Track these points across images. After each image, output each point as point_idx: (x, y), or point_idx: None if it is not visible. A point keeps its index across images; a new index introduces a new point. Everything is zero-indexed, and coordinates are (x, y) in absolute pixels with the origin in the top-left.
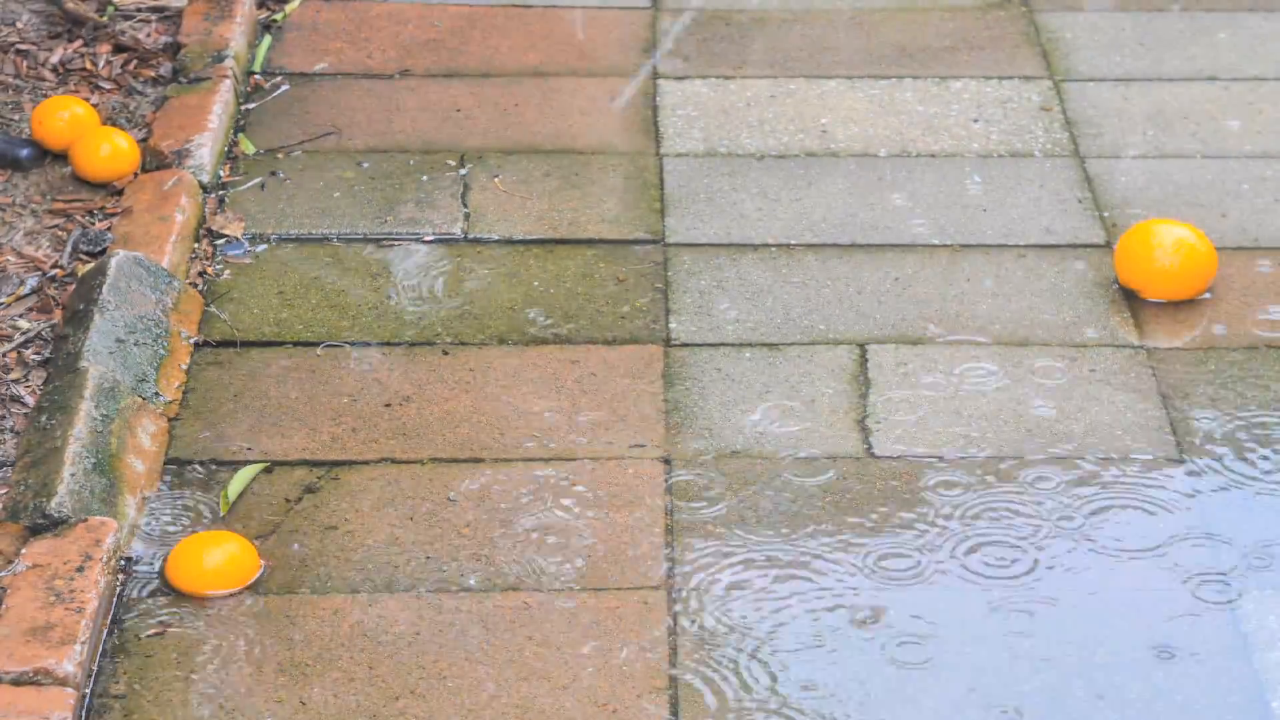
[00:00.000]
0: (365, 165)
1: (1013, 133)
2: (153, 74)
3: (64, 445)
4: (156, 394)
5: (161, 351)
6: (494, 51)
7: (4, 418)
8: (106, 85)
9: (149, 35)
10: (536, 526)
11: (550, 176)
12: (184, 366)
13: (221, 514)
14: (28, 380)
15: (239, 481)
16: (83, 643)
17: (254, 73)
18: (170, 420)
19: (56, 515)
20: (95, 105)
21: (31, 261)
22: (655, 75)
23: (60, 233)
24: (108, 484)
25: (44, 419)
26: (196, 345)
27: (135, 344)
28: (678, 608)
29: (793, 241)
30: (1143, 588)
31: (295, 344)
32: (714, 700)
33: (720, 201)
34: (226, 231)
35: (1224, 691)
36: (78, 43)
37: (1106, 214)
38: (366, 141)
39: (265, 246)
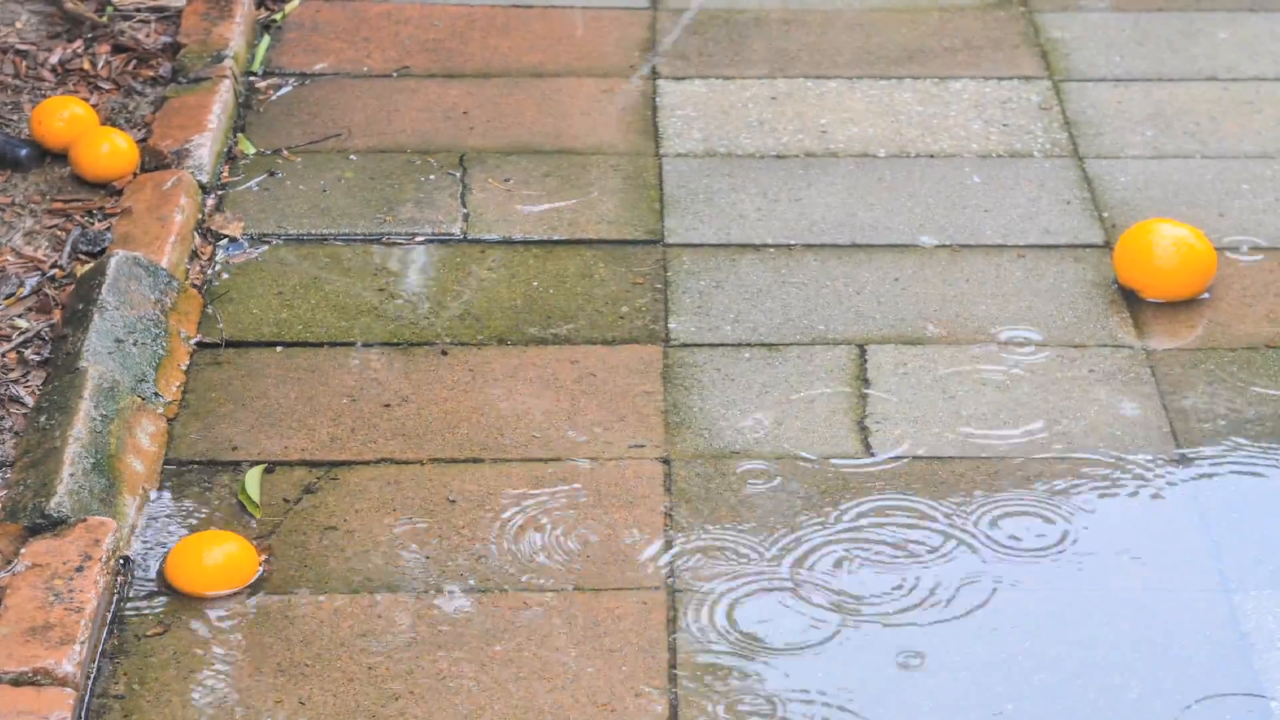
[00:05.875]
0: (365, 165)
1: (1012, 133)
2: (152, 74)
3: (63, 445)
4: (156, 394)
5: (161, 352)
6: (494, 51)
7: (3, 418)
8: (106, 85)
9: (148, 35)
10: (536, 527)
11: (550, 176)
12: (183, 367)
13: (257, 517)
14: (27, 380)
15: (253, 483)
16: (82, 643)
17: (253, 73)
18: (169, 420)
19: (56, 515)
20: (94, 105)
21: (31, 261)
22: (655, 75)
23: (59, 233)
24: (107, 484)
25: (43, 419)
26: (196, 346)
27: (134, 344)
28: (677, 608)
29: (792, 241)
30: (1142, 587)
31: (295, 344)
32: (714, 700)
33: (720, 202)
34: (226, 232)
35: (1224, 691)
36: (77, 43)
37: (1106, 214)
38: (366, 141)
39: (265, 247)
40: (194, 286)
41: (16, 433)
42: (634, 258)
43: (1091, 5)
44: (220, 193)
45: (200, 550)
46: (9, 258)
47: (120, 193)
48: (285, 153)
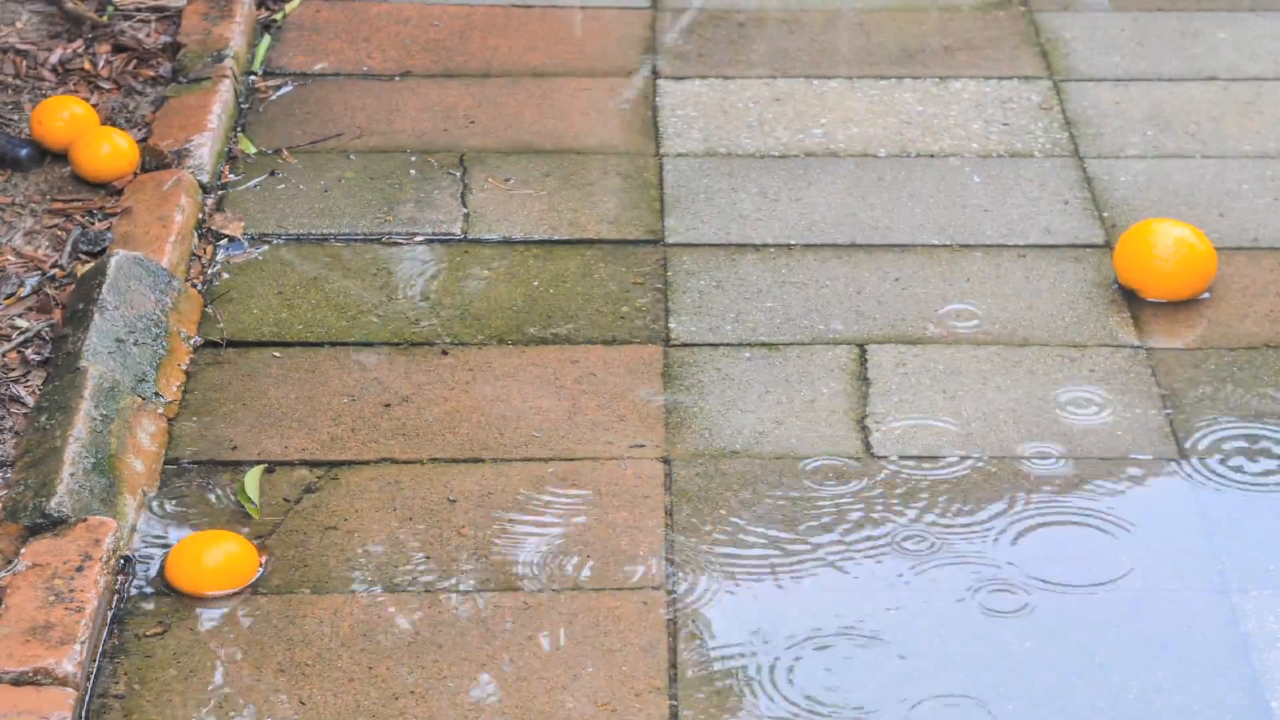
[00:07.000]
0: (365, 165)
1: (1012, 133)
2: (152, 74)
3: (63, 445)
4: (156, 394)
5: (161, 351)
6: (494, 51)
7: (4, 418)
8: (106, 85)
9: (149, 35)
10: (536, 526)
11: (550, 176)
12: (184, 366)
13: (257, 519)
14: (27, 380)
15: (252, 483)
16: (82, 642)
17: (254, 73)
18: (170, 420)
19: (56, 515)
20: (95, 105)
21: (31, 261)
22: (655, 75)
23: (60, 232)
24: (107, 484)
25: (44, 419)
26: (196, 345)
27: (135, 344)
28: (677, 608)
29: (793, 241)
30: (1142, 587)
31: (295, 344)
32: (715, 700)
33: (720, 201)
34: (226, 231)
35: (1224, 691)
36: (77, 43)
37: (1106, 214)
38: (366, 141)
39: (265, 246)
40: (194, 286)
41: (17, 432)
42: (634, 257)
43: (1091, 5)
44: (220, 193)
45: (200, 550)
46: (9, 257)
47: (120, 192)
48: (285, 153)
